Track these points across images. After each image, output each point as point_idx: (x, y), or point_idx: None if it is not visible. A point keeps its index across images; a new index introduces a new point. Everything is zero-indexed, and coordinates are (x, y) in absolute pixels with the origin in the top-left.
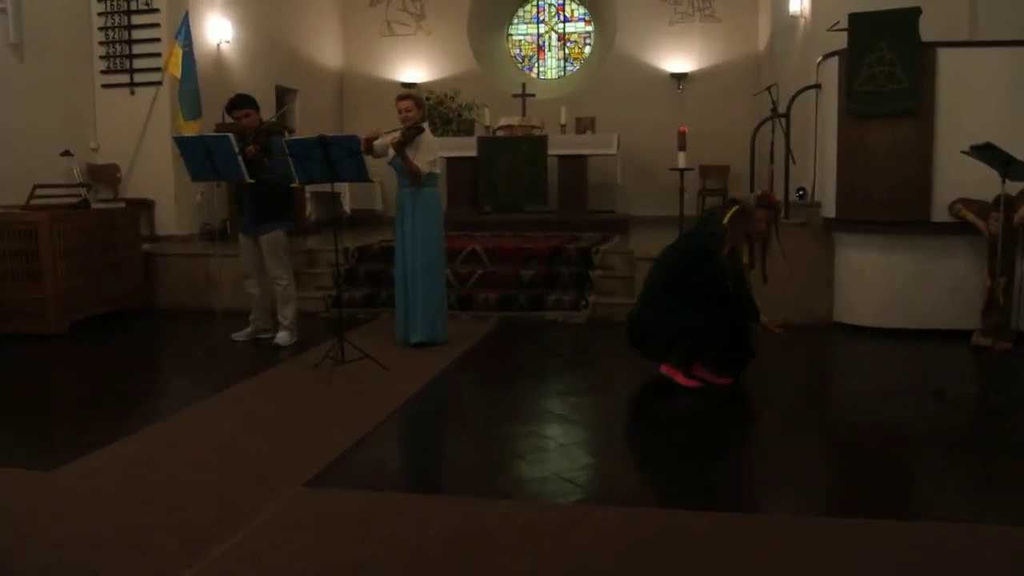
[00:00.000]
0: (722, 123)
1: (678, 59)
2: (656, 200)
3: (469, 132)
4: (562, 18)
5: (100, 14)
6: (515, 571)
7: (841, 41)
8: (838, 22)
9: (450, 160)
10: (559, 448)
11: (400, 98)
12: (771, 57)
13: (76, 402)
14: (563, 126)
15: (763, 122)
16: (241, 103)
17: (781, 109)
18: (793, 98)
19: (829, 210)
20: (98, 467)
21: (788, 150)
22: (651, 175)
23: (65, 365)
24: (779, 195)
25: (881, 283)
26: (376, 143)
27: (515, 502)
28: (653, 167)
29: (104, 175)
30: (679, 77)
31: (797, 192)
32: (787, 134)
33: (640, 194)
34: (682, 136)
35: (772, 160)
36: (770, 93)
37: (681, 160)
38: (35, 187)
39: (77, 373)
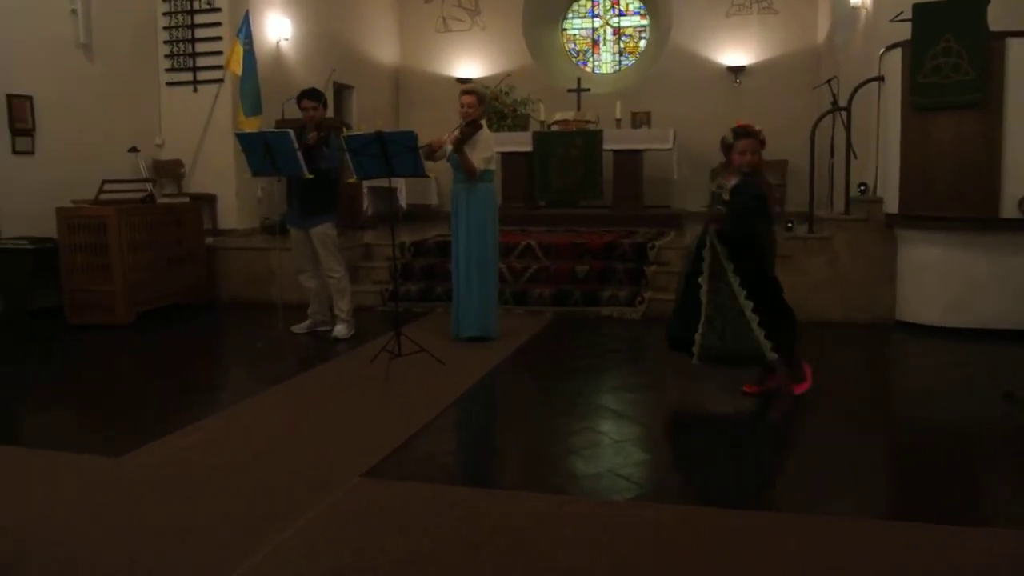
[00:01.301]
0: (780, 117)
1: (735, 52)
2: None
3: (524, 127)
4: (617, 12)
5: (164, 14)
6: (571, 567)
7: (904, 32)
8: (901, 12)
9: (505, 155)
10: (614, 444)
11: (464, 92)
12: (831, 49)
13: (141, 391)
14: (618, 121)
15: (823, 116)
16: (311, 95)
17: (842, 102)
18: (854, 91)
19: (892, 205)
20: (162, 455)
21: (849, 144)
22: (708, 170)
23: (131, 355)
24: (840, 191)
25: (946, 281)
26: (436, 153)
27: (570, 497)
28: (710, 162)
29: (169, 170)
30: (736, 70)
31: (858, 187)
32: (848, 128)
33: (696, 189)
34: None
35: (832, 154)
36: (830, 86)
37: None
38: (104, 182)
39: (142, 363)
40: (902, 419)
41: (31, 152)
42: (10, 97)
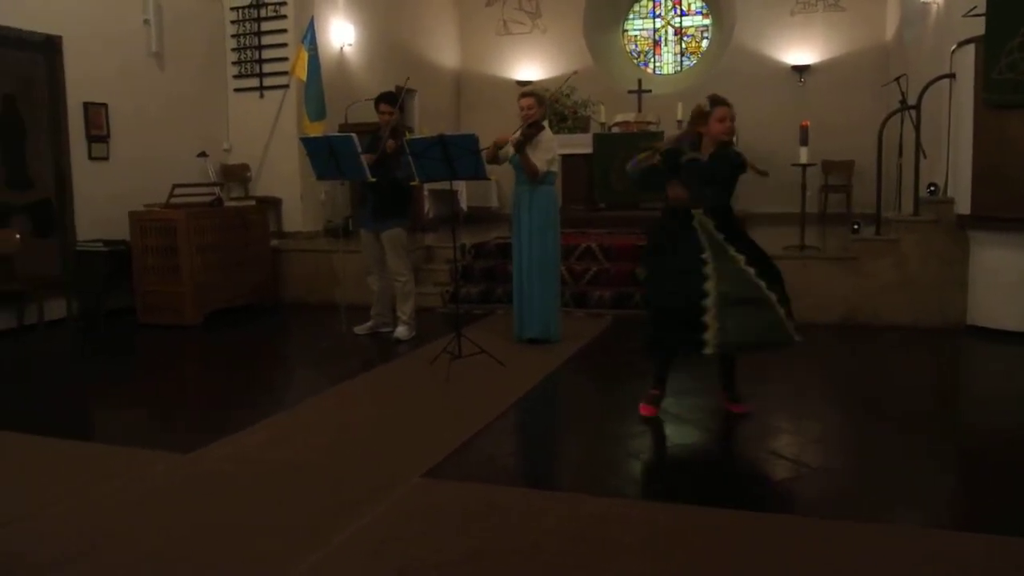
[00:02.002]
0: (846, 116)
1: (800, 51)
2: (776, 196)
3: (584, 129)
4: (679, 12)
5: (233, 22)
6: (630, 571)
7: (978, 27)
8: (975, 7)
9: (565, 157)
10: (674, 448)
11: (523, 95)
12: (900, 46)
13: (209, 390)
14: (679, 122)
15: (891, 114)
16: (390, 99)
17: (911, 100)
18: (924, 89)
19: (963, 206)
20: (230, 452)
21: (918, 143)
22: (771, 171)
23: (199, 355)
24: (908, 192)
25: (1021, 284)
26: (501, 152)
27: (630, 500)
28: (773, 162)
29: (236, 175)
30: (800, 69)
31: (928, 188)
32: (917, 127)
33: (759, 190)
34: (804, 130)
35: (901, 154)
36: (899, 84)
37: (803, 155)
38: (174, 186)
39: (210, 363)
40: (970, 426)
41: (106, 158)
42: (86, 105)
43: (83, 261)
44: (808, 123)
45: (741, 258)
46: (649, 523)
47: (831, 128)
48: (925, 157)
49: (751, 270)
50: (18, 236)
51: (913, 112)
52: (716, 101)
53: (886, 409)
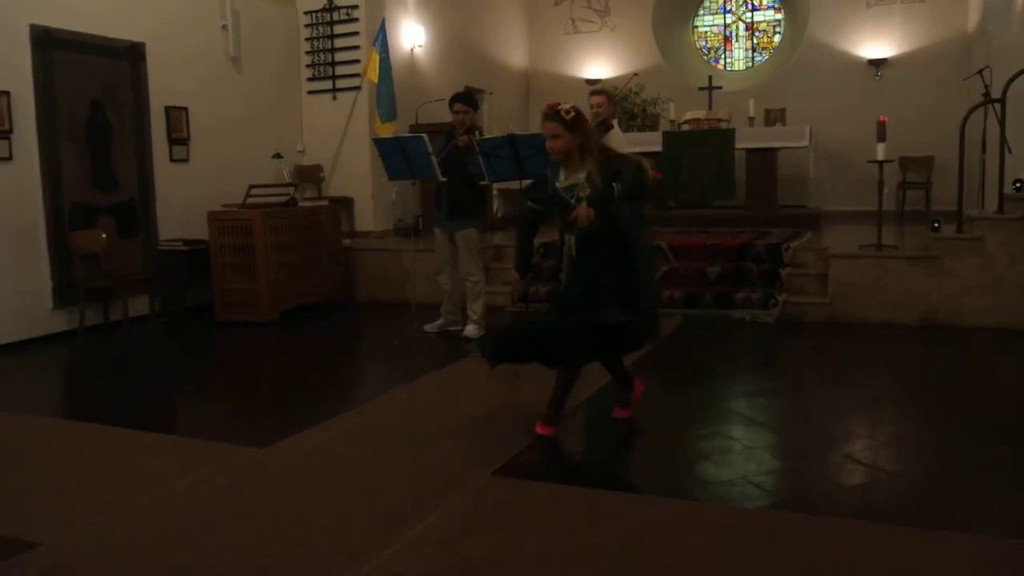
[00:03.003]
0: (926, 111)
1: (876, 44)
2: (852, 194)
3: (654, 127)
4: (750, 7)
5: (306, 26)
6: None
7: None
8: None
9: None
10: (746, 451)
11: (593, 93)
12: (983, 38)
13: (285, 386)
14: (751, 118)
15: (974, 108)
16: (464, 99)
17: (995, 93)
18: (1010, 81)
19: None
20: (303, 447)
21: (1003, 138)
22: (846, 168)
23: (275, 351)
24: (992, 188)
25: None
26: None
27: (699, 503)
28: (848, 159)
29: (310, 175)
30: (877, 63)
31: (1013, 184)
32: (1002, 121)
33: (834, 188)
34: (881, 126)
35: (984, 149)
36: (982, 77)
37: (880, 152)
38: (250, 187)
39: (286, 359)
40: None
41: (186, 160)
42: (168, 109)
43: (165, 260)
44: (885, 118)
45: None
46: (719, 527)
47: (909, 123)
48: (1010, 152)
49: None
50: (104, 236)
51: (997, 105)
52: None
53: (967, 414)
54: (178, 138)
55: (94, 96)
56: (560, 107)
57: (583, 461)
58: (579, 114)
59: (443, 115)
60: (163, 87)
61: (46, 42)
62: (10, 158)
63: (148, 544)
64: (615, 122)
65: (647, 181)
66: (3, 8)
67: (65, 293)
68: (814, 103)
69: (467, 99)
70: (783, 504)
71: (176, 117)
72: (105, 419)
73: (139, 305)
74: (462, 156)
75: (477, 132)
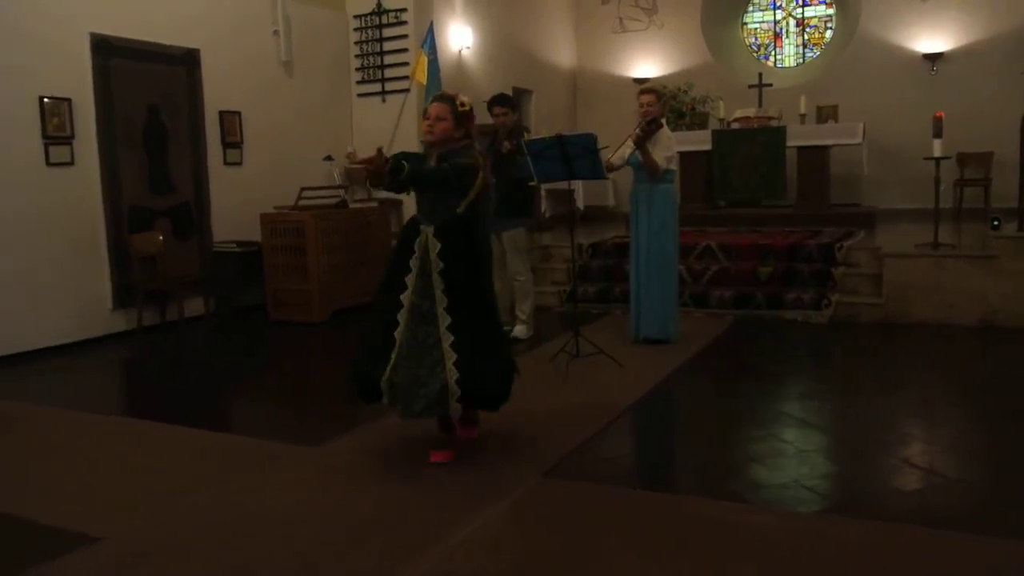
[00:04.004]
0: (984, 106)
1: (931, 38)
2: (907, 192)
3: (703, 126)
4: (800, 2)
5: (356, 29)
6: None
7: None
8: None
9: (683, 155)
10: (798, 454)
11: (643, 91)
12: None
13: (337, 385)
14: (802, 116)
15: None
16: (503, 101)
17: None
18: None
19: None
20: (356, 446)
21: None
22: (901, 165)
23: (327, 351)
24: None
25: None
26: (614, 157)
27: (752, 507)
28: (903, 156)
29: (359, 177)
30: (932, 58)
31: None
32: None
33: (889, 185)
34: (938, 122)
35: None
36: None
37: (937, 148)
38: (302, 189)
39: (337, 359)
40: None
41: (239, 163)
42: (222, 113)
43: (219, 261)
44: (942, 114)
45: (444, 300)
46: (770, 530)
47: (967, 118)
48: None
49: (448, 318)
50: (161, 238)
51: None
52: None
53: None
54: (232, 142)
55: (151, 102)
56: (458, 97)
57: (633, 462)
58: (471, 112)
59: (490, 116)
60: (217, 92)
61: (105, 50)
62: (72, 163)
63: (206, 540)
64: (664, 120)
65: (466, 175)
66: (64, 18)
67: (124, 294)
68: (867, 99)
69: (506, 101)
70: (837, 509)
71: (230, 121)
72: (163, 417)
73: (194, 305)
74: (507, 159)
75: (525, 132)
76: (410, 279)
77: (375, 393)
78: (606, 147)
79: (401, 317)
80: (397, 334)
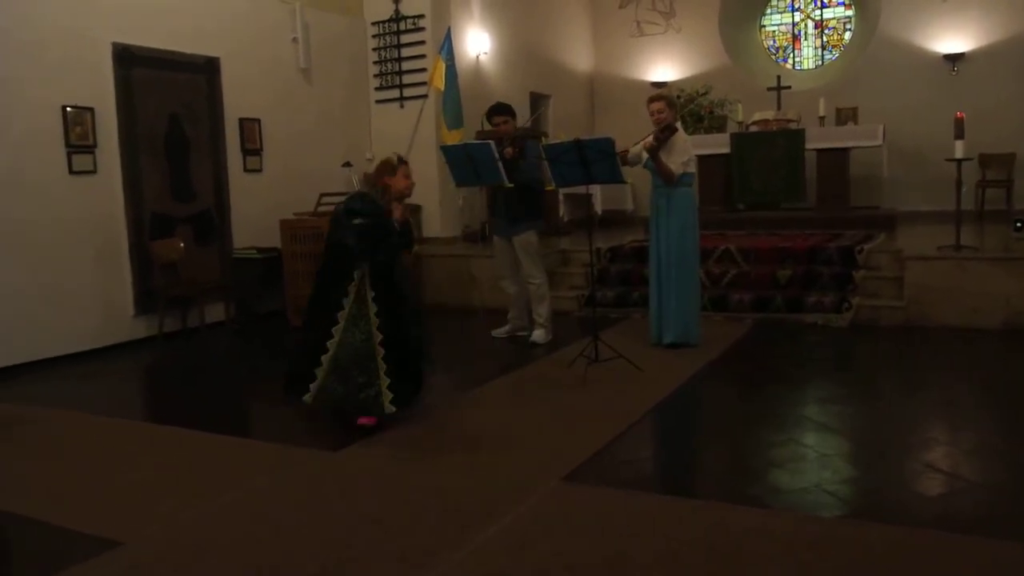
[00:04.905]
0: (1006, 106)
1: (952, 39)
2: (928, 194)
3: (721, 129)
4: (819, 4)
5: (374, 36)
6: None
7: None
8: None
9: (702, 158)
10: (819, 458)
11: (651, 100)
12: None
13: None
14: (822, 118)
15: None
16: (501, 110)
17: None
18: None
19: None
20: (375, 451)
21: None
22: (922, 166)
23: None
24: None
25: None
26: (630, 153)
27: (772, 512)
28: (924, 158)
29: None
30: (953, 58)
31: None
32: None
33: (909, 187)
34: (959, 123)
35: None
36: None
37: (958, 149)
38: (321, 195)
39: None
40: None
41: (259, 170)
42: (242, 121)
43: (239, 267)
44: (963, 115)
45: (375, 316)
46: (792, 536)
47: (989, 119)
48: None
49: (379, 335)
50: (182, 245)
51: None
52: (403, 160)
53: None
54: (252, 149)
55: (172, 110)
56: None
57: (653, 467)
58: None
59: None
60: (237, 100)
61: (127, 59)
62: (95, 171)
63: (226, 545)
64: (678, 125)
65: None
66: (87, 28)
67: (145, 301)
68: (887, 101)
69: (505, 110)
70: (859, 514)
71: (250, 129)
72: (184, 422)
73: (215, 312)
74: (512, 164)
75: (543, 136)
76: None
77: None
78: (621, 152)
79: None
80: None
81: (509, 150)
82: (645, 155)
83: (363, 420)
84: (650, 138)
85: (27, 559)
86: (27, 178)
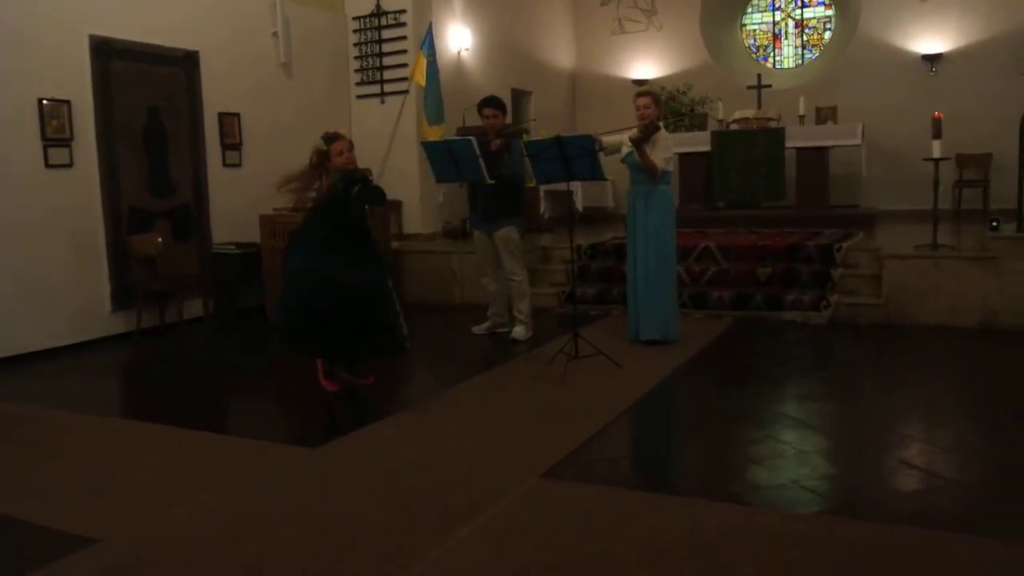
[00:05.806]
0: (983, 106)
1: (931, 39)
2: (906, 193)
3: (702, 127)
4: (800, 3)
5: (355, 31)
6: None
7: None
8: None
9: (683, 156)
10: (798, 455)
11: (639, 95)
12: None
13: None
14: (801, 117)
15: None
16: (492, 103)
17: None
18: None
19: None
20: (354, 447)
21: None
22: (900, 166)
23: None
24: None
25: None
26: (607, 141)
27: (754, 509)
28: (902, 157)
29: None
30: (931, 58)
31: None
32: None
33: (888, 187)
34: (937, 123)
35: None
36: None
37: (936, 149)
38: None
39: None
40: None
41: (239, 165)
42: (221, 115)
43: (218, 262)
44: (941, 115)
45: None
46: (773, 533)
47: (966, 120)
48: None
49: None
50: (160, 239)
51: None
52: (331, 138)
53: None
54: (231, 143)
55: (151, 104)
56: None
57: (632, 463)
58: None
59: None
60: (216, 94)
61: (105, 52)
62: (71, 165)
63: (204, 542)
64: (661, 123)
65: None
66: (64, 20)
67: (123, 296)
68: (866, 100)
69: (496, 103)
70: (836, 510)
71: (229, 123)
72: (162, 419)
73: (193, 307)
74: (495, 159)
75: (525, 134)
76: None
77: None
78: (600, 136)
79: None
80: None
81: (497, 142)
82: (626, 148)
83: (363, 381)
84: (634, 130)
85: (2, 557)
86: (2, 172)
